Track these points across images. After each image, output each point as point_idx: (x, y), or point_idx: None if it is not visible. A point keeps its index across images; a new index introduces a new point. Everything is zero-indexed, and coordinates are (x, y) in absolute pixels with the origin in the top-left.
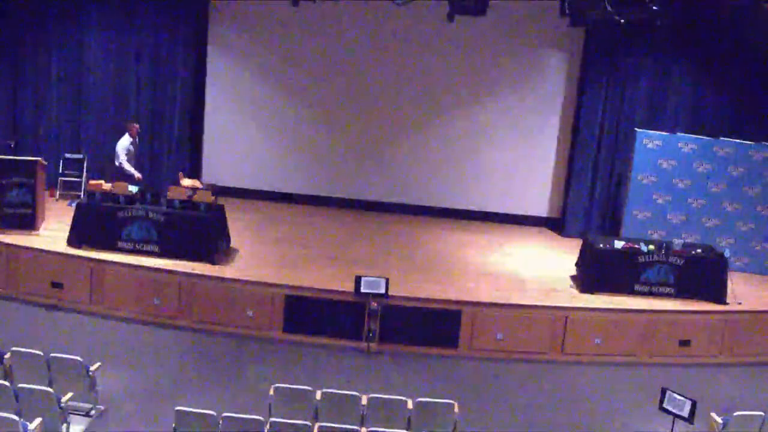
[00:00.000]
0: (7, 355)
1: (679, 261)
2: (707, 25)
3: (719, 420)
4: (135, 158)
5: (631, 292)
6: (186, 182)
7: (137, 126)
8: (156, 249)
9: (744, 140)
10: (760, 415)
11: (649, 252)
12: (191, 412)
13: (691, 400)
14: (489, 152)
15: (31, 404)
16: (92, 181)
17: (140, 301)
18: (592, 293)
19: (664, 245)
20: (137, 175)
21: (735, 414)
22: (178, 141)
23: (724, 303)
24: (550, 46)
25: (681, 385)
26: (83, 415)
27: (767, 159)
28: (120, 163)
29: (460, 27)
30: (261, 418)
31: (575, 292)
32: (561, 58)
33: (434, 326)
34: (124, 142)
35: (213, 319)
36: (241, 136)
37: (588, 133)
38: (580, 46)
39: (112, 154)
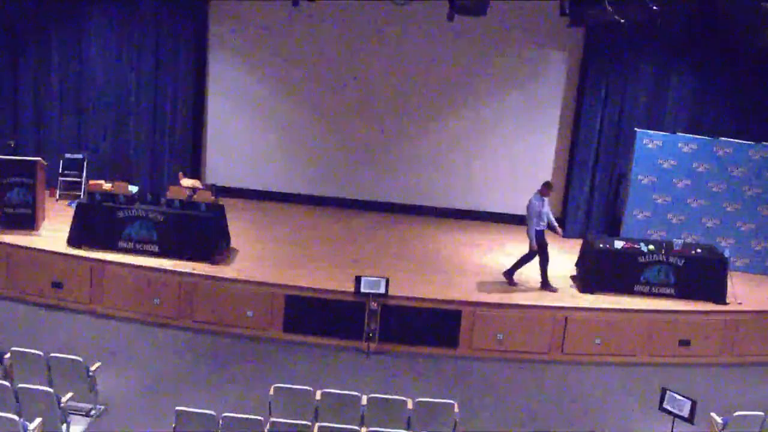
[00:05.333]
0: (7, 355)
1: (679, 261)
2: (707, 26)
3: (719, 420)
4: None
5: (631, 292)
6: (186, 182)
7: (551, 185)
8: (156, 249)
9: (744, 140)
10: (760, 415)
11: (649, 252)
12: (191, 412)
13: (691, 400)
14: (489, 152)
15: (31, 404)
16: (92, 181)
17: (140, 301)
18: (592, 293)
19: (664, 245)
20: (559, 231)
21: (735, 414)
22: (178, 141)
23: (724, 303)
24: (550, 46)
25: (681, 385)
26: (83, 415)
27: (767, 159)
28: (530, 229)
29: (460, 27)
30: (261, 418)
31: (575, 292)
32: (561, 58)
33: (434, 326)
34: (538, 205)
35: (213, 319)
36: (241, 136)
37: (588, 133)
38: (580, 46)
39: (112, 154)
